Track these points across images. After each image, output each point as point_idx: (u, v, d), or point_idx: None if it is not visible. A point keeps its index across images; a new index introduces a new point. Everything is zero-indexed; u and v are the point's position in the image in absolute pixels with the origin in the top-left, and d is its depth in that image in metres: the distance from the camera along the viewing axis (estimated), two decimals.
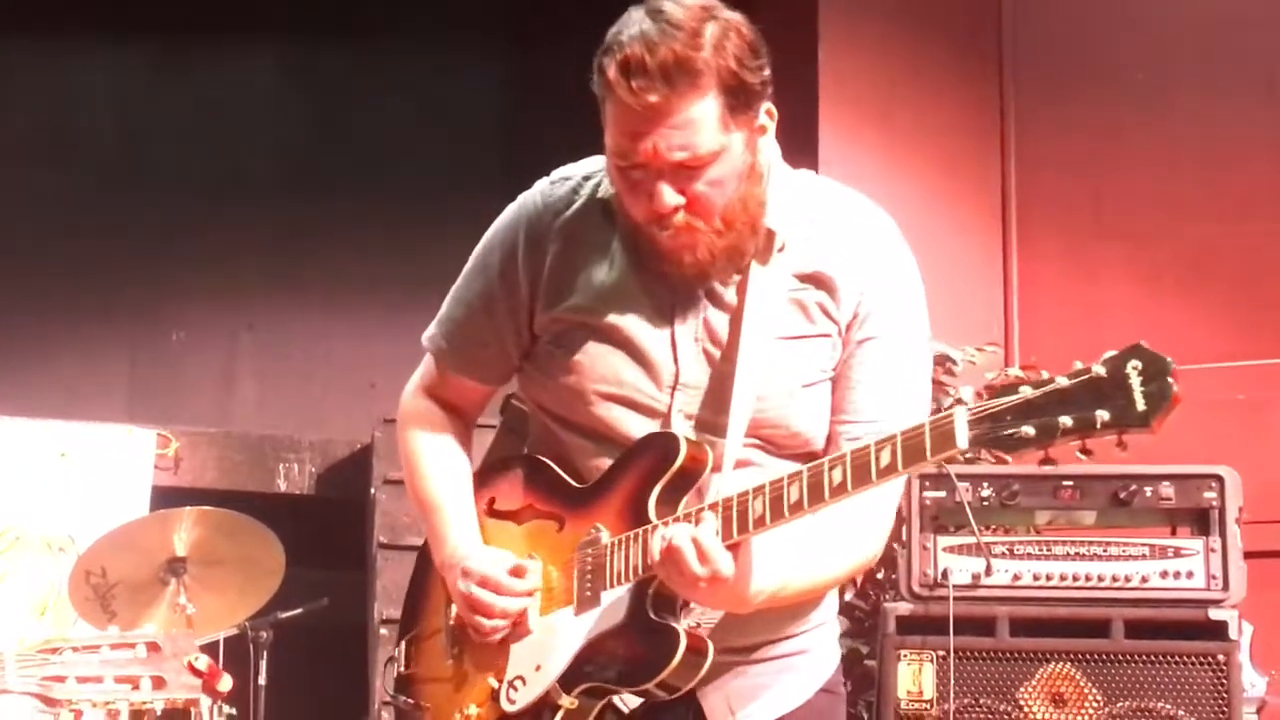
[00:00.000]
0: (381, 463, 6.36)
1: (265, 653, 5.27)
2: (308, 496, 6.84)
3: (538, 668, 2.59)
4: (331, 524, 6.52)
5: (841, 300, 2.57)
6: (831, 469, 2.31)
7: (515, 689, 2.62)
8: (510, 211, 2.75)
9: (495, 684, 2.65)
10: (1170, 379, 2.07)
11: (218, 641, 5.19)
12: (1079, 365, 2.12)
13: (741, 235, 2.53)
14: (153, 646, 2.70)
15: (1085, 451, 2.13)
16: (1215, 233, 6.03)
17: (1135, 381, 2.08)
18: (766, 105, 2.52)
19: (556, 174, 2.73)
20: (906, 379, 2.60)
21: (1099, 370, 2.10)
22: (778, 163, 2.61)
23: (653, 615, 2.48)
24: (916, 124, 6.30)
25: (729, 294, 2.58)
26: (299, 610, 5.39)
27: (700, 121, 2.44)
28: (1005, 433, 2.14)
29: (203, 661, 2.69)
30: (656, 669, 2.44)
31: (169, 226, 7.16)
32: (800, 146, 2.75)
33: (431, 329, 2.84)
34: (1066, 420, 2.11)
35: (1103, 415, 2.09)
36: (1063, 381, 2.12)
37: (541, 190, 2.72)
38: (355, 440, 6.78)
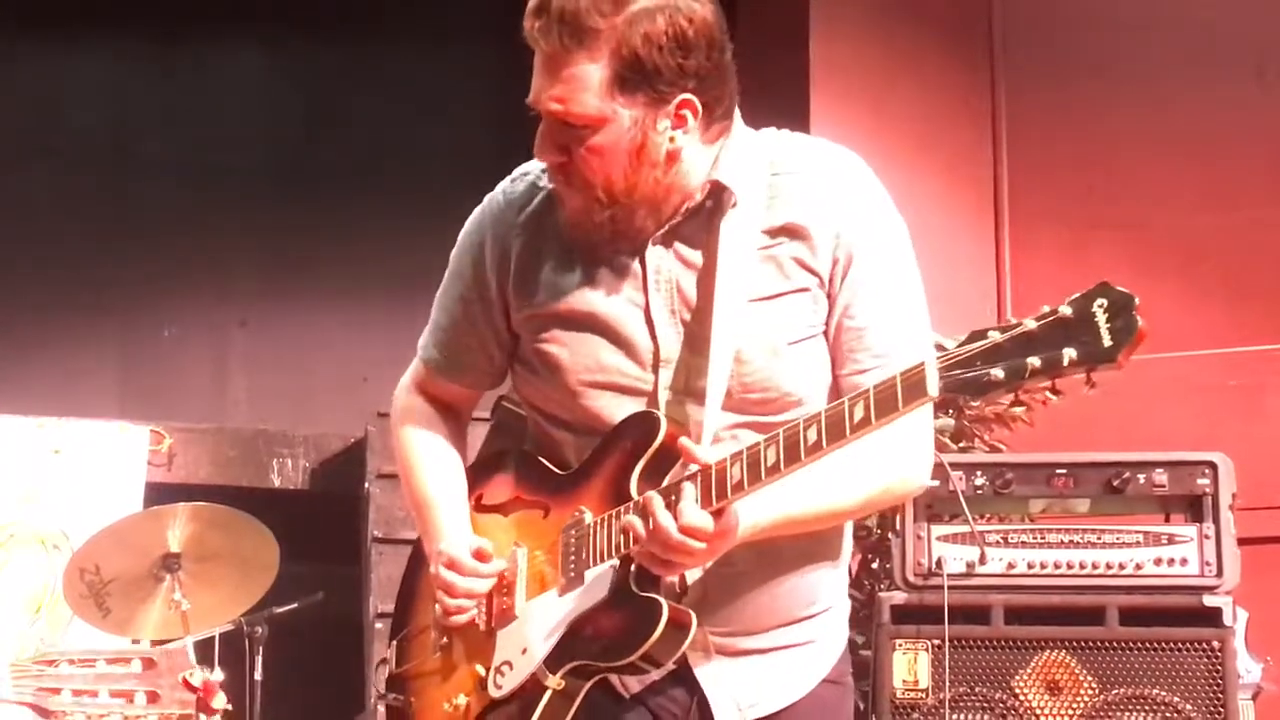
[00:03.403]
0: (375, 457, 6.36)
1: (260, 648, 5.26)
2: (302, 491, 6.84)
3: (523, 651, 2.59)
4: (326, 519, 6.51)
5: (818, 247, 2.54)
6: (807, 428, 2.30)
7: (502, 674, 2.61)
8: (475, 214, 2.76)
9: (482, 671, 2.64)
10: (1135, 314, 2.08)
11: (213, 638, 5.17)
12: (1046, 308, 2.14)
13: (629, 213, 2.52)
14: (148, 662, 2.71)
15: (1055, 391, 2.15)
16: (1207, 220, 6.03)
17: (1101, 319, 2.09)
18: (684, 97, 2.48)
19: (517, 171, 2.73)
20: (906, 309, 2.57)
21: (1065, 310, 2.12)
22: (739, 126, 2.58)
23: (635, 589, 2.48)
24: (908, 113, 6.30)
25: (698, 257, 2.56)
26: (294, 605, 5.38)
27: (581, 81, 2.44)
28: (974, 377, 2.15)
29: (197, 677, 2.69)
30: (639, 642, 2.44)
31: (160, 222, 7.16)
32: None
33: (424, 336, 2.84)
34: (1035, 361, 2.12)
35: (1070, 353, 2.10)
36: (1030, 324, 2.13)
37: (503, 189, 2.73)
38: (349, 435, 6.78)
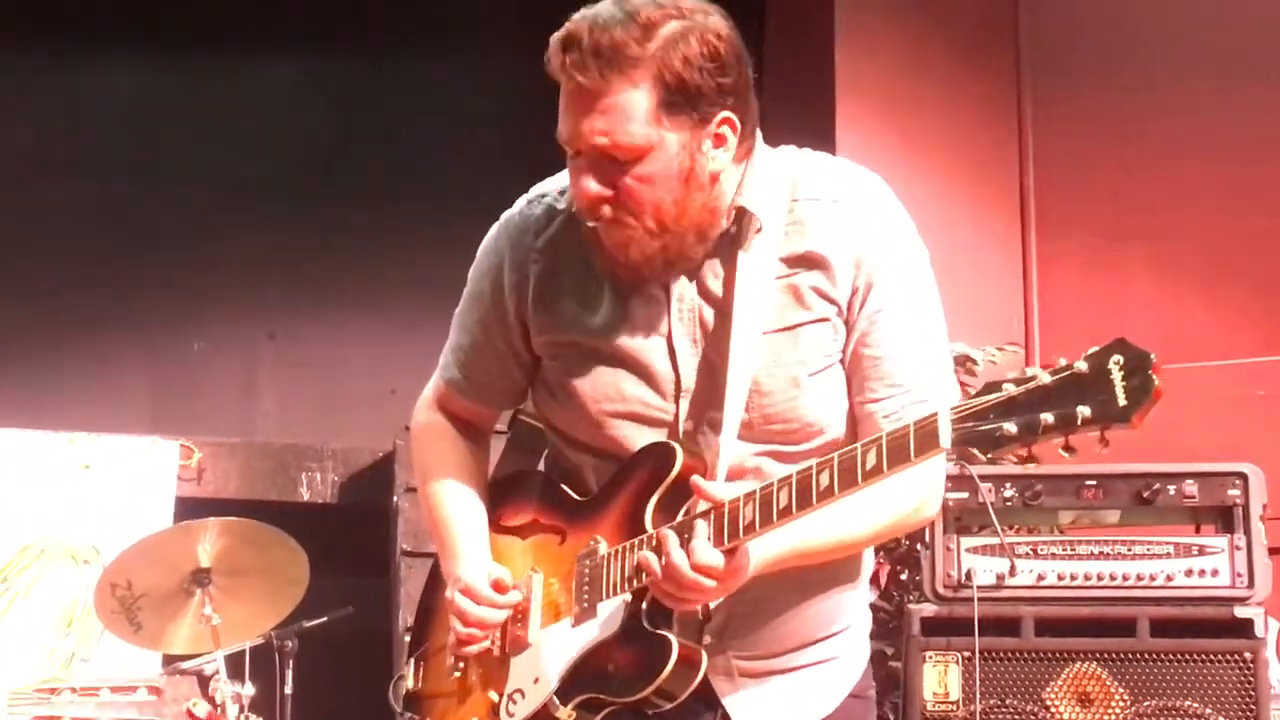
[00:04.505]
0: (403, 470, 6.36)
1: (290, 662, 5.28)
2: (331, 505, 6.84)
3: (536, 680, 2.60)
4: (355, 532, 6.52)
5: (837, 276, 2.52)
6: (819, 473, 2.29)
7: (514, 702, 2.63)
8: (492, 234, 2.73)
9: (495, 698, 2.66)
10: (1152, 373, 2.05)
11: (243, 652, 5.19)
12: (1062, 361, 2.12)
13: (680, 240, 2.49)
14: (154, 690, 2.68)
15: (1068, 449, 2.12)
16: (1235, 228, 6.02)
17: (1117, 376, 2.06)
18: (724, 115, 2.46)
19: (533, 191, 2.71)
20: (924, 338, 2.56)
21: (1081, 366, 2.09)
22: (759, 146, 2.56)
23: (647, 625, 2.48)
24: (934, 124, 6.30)
25: (718, 286, 2.55)
26: (324, 619, 5.40)
27: (626, 110, 2.40)
28: (988, 430, 2.14)
29: (201, 708, 2.68)
30: (649, 679, 2.44)
31: (188, 236, 7.17)
32: (818, 149, 2.73)
33: (445, 355, 2.83)
34: (1048, 417, 2.10)
35: (1084, 411, 2.08)
36: (1045, 378, 2.12)
37: (520, 210, 2.70)
38: (377, 448, 6.78)
